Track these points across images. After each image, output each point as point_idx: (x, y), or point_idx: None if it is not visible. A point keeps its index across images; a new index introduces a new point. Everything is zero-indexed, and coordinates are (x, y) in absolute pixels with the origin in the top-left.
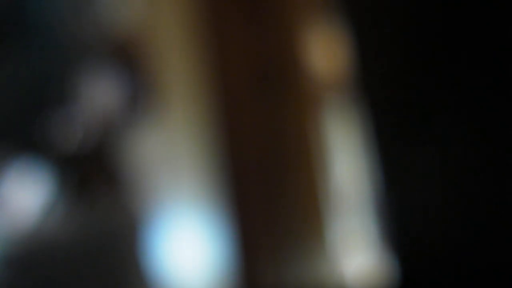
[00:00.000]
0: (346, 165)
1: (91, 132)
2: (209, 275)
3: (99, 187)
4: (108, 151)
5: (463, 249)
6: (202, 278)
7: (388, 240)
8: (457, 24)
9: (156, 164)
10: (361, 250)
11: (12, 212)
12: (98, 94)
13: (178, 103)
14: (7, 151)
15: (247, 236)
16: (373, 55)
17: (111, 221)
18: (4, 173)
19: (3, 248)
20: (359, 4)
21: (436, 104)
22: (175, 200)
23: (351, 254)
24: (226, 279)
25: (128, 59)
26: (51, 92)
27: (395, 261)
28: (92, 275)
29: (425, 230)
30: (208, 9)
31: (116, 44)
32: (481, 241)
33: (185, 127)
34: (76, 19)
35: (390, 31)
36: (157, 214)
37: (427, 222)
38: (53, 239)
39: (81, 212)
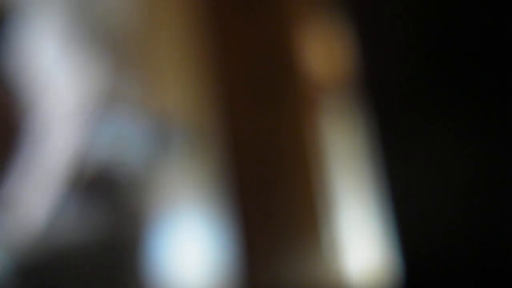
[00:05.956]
0: (346, 166)
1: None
2: (209, 275)
3: (105, 192)
4: (115, 158)
5: (466, 249)
6: (202, 278)
7: (392, 239)
8: (460, 24)
9: (157, 166)
10: (363, 249)
11: (22, 215)
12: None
13: (176, 106)
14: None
15: (246, 237)
16: (375, 54)
17: (115, 225)
18: (14, 176)
19: (12, 253)
20: (361, 3)
21: (440, 105)
22: (175, 202)
23: (353, 254)
24: (225, 279)
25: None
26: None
27: (399, 261)
28: (96, 278)
29: (429, 230)
30: (206, 9)
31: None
32: (484, 240)
33: (184, 129)
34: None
35: (391, 30)
36: (159, 216)
37: (431, 222)
38: (60, 244)
39: (88, 217)
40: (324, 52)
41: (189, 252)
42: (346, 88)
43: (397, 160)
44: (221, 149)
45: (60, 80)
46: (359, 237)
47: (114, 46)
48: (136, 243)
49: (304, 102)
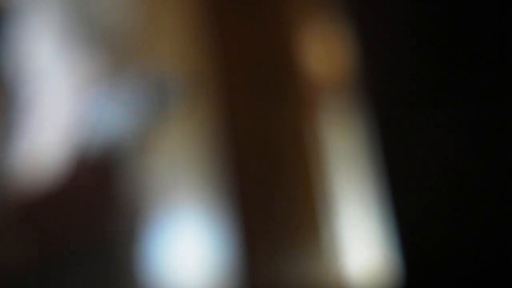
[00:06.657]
0: (347, 166)
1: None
2: (209, 275)
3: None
4: (111, 153)
5: (466, 248)
6: (201, 278)
7: (392, 239)
8: (460, 24)
9: (156, 165)
10: (363, 249)
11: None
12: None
13: (174, 104)
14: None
15: (246, 236)
16: (375, 54)
17: (113, 223)
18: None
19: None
20: (361, 3)
21: (440, 104)
22: (174, 202)
23: (353, 254)
24: (225, 279)
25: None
26: None
27: (399, 261)
28: (93, 276)
29: (429, 229)
30: (206, 8)
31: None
32: (484, 240)
33: (183, 128)
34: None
35: (391, 30)
36: (157, 215)
37: (430, 221)
38: (57, 239)
39: (84, 211)
40: (324, 52)
41: (188, 251)
42: (346, 88)
43: (397, 159)
44: (221, 149)
45: (57, 76)
46: (359, 237)
47: (112, 39)
48: (132, 240)
49: (304, 102)
